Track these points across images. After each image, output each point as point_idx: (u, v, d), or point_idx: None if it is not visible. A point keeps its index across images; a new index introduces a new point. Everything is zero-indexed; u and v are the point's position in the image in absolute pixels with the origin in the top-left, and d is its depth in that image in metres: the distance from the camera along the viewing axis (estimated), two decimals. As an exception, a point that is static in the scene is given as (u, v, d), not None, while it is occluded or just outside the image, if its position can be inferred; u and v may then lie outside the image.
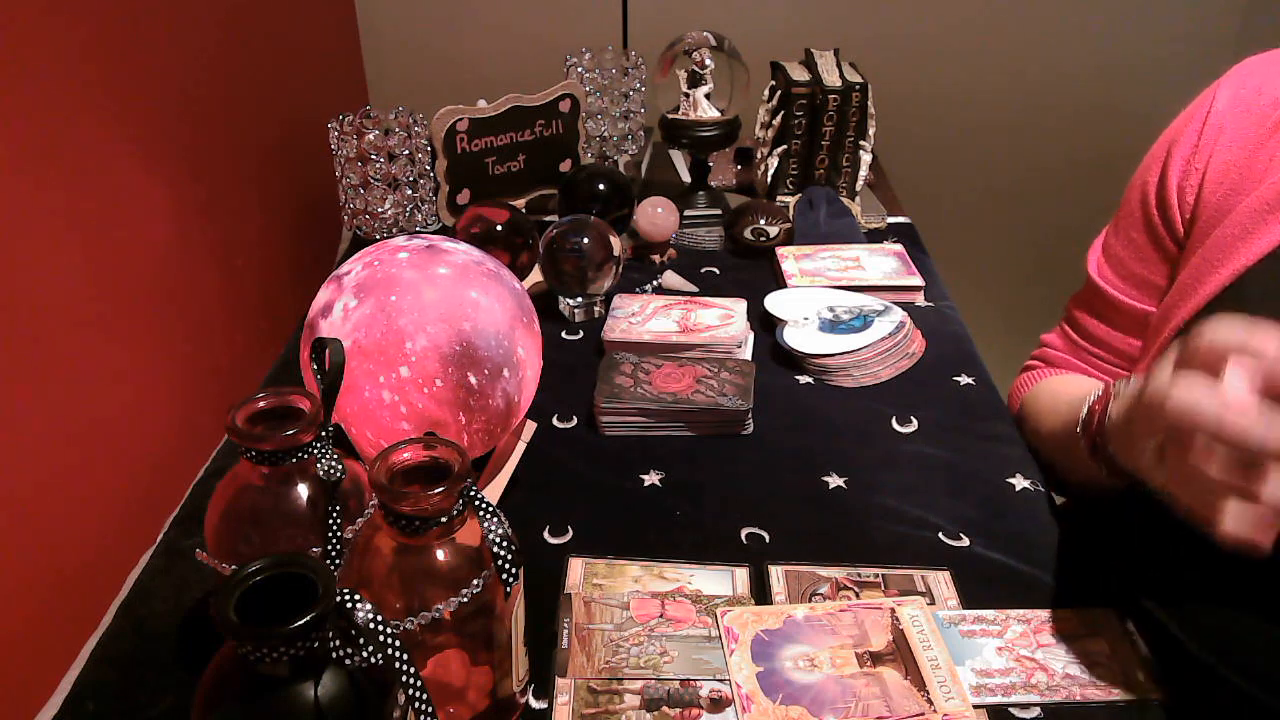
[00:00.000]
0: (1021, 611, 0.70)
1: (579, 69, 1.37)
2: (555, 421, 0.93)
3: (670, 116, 1.27)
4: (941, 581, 0.73)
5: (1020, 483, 0.84)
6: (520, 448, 0.84)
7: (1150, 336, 0.81)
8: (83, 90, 0.85)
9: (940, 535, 0.78)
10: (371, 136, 1.19)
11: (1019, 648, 0.67)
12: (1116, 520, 0.88)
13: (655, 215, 1.20)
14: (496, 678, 0.59)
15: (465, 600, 0.53)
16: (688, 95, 1.26)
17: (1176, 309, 0.77)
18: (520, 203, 1.28)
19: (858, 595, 0.72)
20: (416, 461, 0.55)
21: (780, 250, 1.20)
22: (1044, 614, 0.70)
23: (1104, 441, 0.69)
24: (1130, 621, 0.70)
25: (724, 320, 1.04)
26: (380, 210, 1.23)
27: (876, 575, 0.74)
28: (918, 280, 1.13)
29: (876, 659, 0.66)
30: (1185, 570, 0.80)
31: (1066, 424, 0.79)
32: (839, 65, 1.32)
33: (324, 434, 0.59)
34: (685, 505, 0.82)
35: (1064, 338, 0.94)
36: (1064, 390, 0.88)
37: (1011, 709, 0.63)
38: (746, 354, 1.02)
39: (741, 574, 0.74)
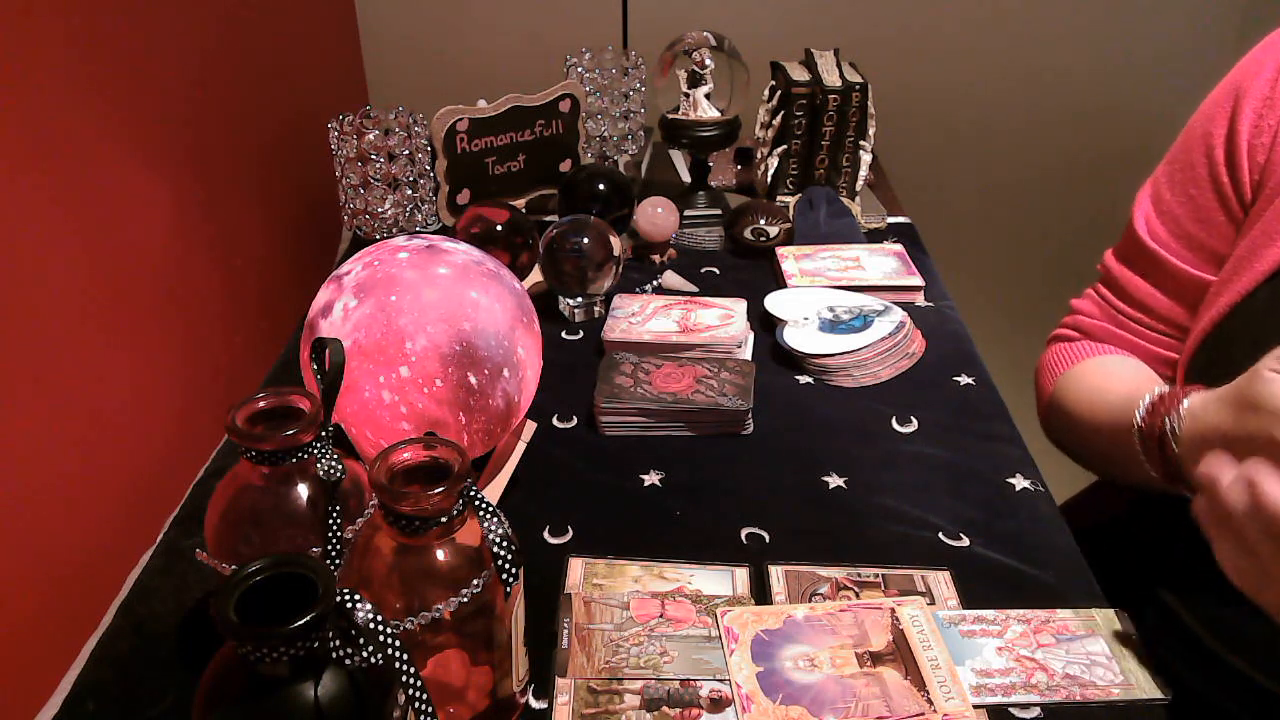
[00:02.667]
0: (1021, 611, 0.70)
1: (579, 69, 1.37)
2: (555, 421, 0.93)
3: (670, 116, 1.27)
4: (941, 581, 0.73)
5: (1020, 483, 0.84)
6: (520, 448, 0.84)
7: (1201, 312, 0.73)
8: (83, 90, 0.85)
9: (940, 535, 0.78)
10: (371, 136, 1.19)
11: (1019, 648, 0.67)
12: (1132, 515, 0.87)
13: (655, 215, 1.20)
14: (496, 678, 0.59)
15: (465, 600, 0.53)
16: (688, 95, 1.26)
17: (1230, 284, 0.70)
18: (520, 203, 1.28)
19: (858, 595, 0.72)
20: (416, 461, 0.55)
21: (780, 250, 1.20)
22: (1044, 614, 0.70)
23: (1174, 457, 0.64)
24: (1130, 622, 0.70)
25: (724, 320, 1.04)
26: (380, 210, 1.23)
27: (876, 575, 0.74)
28: (918, 280, 1.13)
29: (876, 659, 0.66)
30: (1202, 563, 0.80)
31: (1114, 426, 0.71)
32: (839, 65, 1.32)
33: (324, 434, 0.59)
34: (685, 505, 0.82)
35: (1100, 304, 0.85)
36: (1106, 384, 0.79)
37: (1011, 709, 0.63)
38: (746, 354, 1.02)
39: (741, 574, 0.74)
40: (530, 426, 0.87)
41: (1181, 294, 0.78)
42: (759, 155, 1.36)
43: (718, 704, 0.63)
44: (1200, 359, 0.72)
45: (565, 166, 1.31)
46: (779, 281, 1.16)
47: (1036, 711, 0.63)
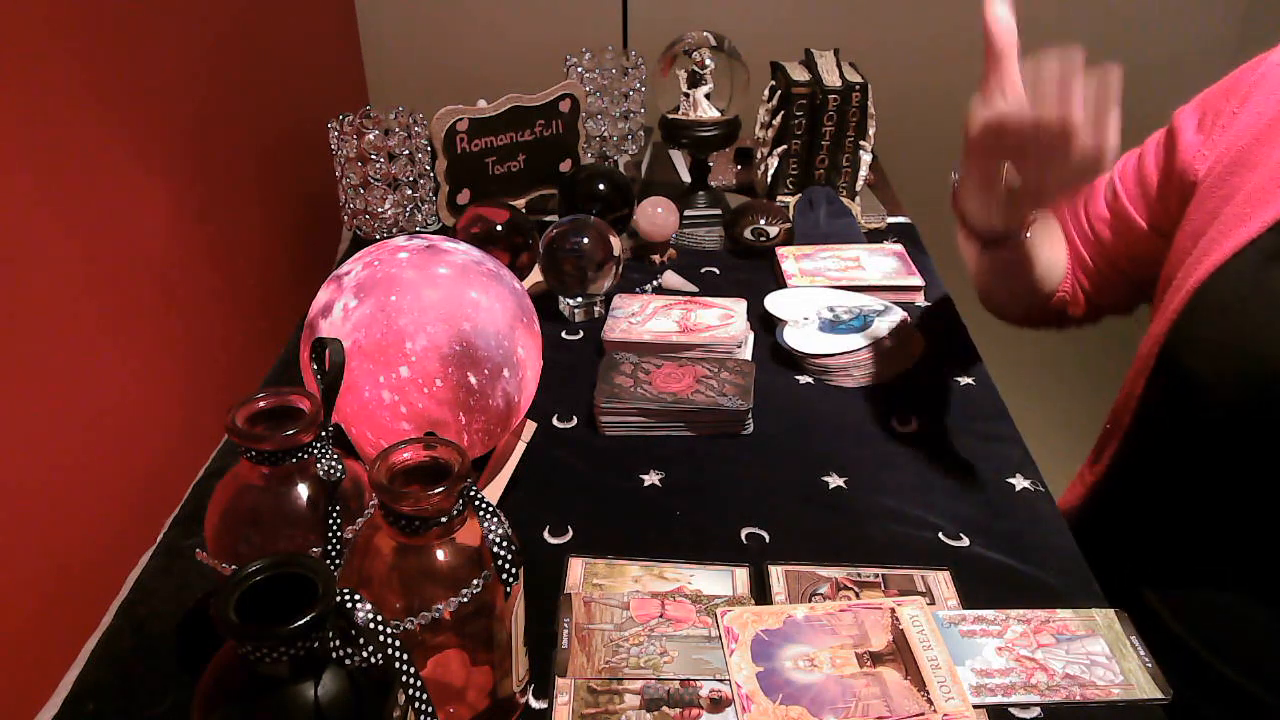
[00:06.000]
0: (1021, 611, 0.70)
1: (579, 69, 1.37)
2: (555, 421, 0.93)
3: (670, 116, 1.27)
4: (941, 581, 0.73)
5: (1020, 483, 0.84)
6: (520, 448, 0.84)
7: (1172, 292, 0.79)
8: (83, 91, 0.85)
9: (940, 535, 0.78)
10: (371, 136, 1.19)
11: (1019, 648, 0.67)
12: (1122, 517, 0.88)
13: (655, 215, 1.20)
14: (496, 678, 0.59)
15: (465, 600, 0.53)
16: (688, 95, 1.26)
17: (1201, 262, 0.76)
18: (520, 203, 1.28)
19: (858, 595, 0.72)
20: (416, 461, 0.55)
21: (780, 250, 1.20)
22: (1044, 614, 0.70)
23: (959, 201, 0.82)
24: (1130, 622, 0.70)
25: (724, 320, 1.04)
26: (380, 210, 1.23)
27: (876, 575, 0.74)
28: (918, 280, 1.13)
29: (876, 659, 0.66)
30: (1189, 567, 0.80)
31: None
32: (839, 65, 1.32)
33: (324, 434, 0.59)
34: (685, 505, 0.82)
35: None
36: None
37: (1011, 709, 0.63)
38: (746, 354, 1.02)
39: (741, 574, 0.74)
40: (530, 426, 0.87)
41: (1114, 222, 0.93)
42: (759, 155, 1.36)
43: (718, 704, 0.63)
44: (1186, 316, 0.77)
45: (565, 166, 1.31)
46: (779, 281, 1.16)
47: (1036, 711, 0.63)
